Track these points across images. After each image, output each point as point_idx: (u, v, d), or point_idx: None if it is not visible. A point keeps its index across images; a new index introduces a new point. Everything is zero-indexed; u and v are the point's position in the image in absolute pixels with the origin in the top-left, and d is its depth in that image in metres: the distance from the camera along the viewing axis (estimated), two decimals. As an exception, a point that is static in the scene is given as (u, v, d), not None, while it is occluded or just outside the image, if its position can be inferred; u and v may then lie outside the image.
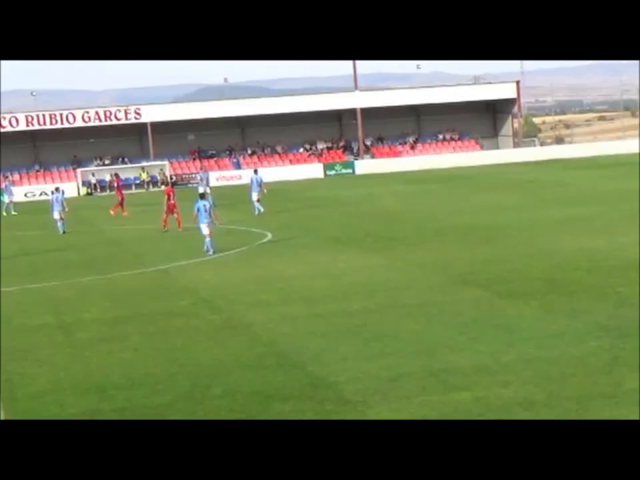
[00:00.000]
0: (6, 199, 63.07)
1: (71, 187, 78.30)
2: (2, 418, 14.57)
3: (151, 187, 78.49)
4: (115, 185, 57.54)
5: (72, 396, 15.85)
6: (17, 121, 79.80)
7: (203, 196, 35.11)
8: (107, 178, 76.21)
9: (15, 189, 69.28)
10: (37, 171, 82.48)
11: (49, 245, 39.67)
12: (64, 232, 44.23)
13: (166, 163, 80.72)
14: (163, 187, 77.31)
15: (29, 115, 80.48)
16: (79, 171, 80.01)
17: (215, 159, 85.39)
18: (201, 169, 72.69)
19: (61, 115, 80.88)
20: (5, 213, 60.60)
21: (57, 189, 48.31)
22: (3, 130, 78.88)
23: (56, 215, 45.18)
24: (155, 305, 23.88)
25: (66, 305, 24.87)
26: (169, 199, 43.02)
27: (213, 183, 78.32)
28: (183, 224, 40.87)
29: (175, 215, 42.44)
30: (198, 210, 33.15)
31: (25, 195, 74.72)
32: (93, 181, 78.90)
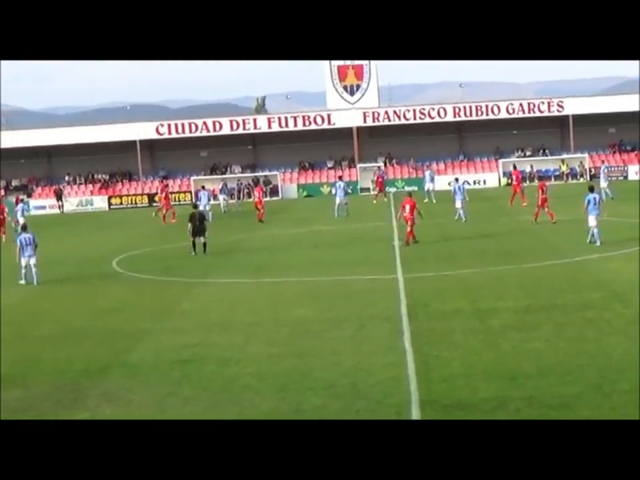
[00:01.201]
0: (426, 186, 65.37)
1: (492, 177, 79.50)
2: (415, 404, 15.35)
3: (569, 179, 77.90)
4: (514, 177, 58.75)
5: (483, 381, 16.41)
6: (445, 111, 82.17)
7: (592, 189, 36.14)
8: (527, 169, 76.35)
9: (439, 178, 71.69)
10: (461, 160, 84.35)
11: (467, 233, 40.72)
12: (465, 220, 45.58)
13: (585, 155, 79.77)
14: (581, 180, 76.78)
15: (456, 106, 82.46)
16: (500, 161, 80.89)
17: (636, 152, 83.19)
18: (603, 161, 71.18)
19: (486, 106, 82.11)
20: (426, 200, 62.52)
21: (456, 180, 51.78)
22: (431, 120, 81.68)
23: (458, 204, 46.80)
24: (567, 296, 24.05)
25: (481, 292, 25.61)
26: (542, 192, 43.05)
27: (632, 176, 76.63)
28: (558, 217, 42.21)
29: (546, 209, 42.78)
30: (588, 202, 34.51)
31: (448, 184, 76.46)
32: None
